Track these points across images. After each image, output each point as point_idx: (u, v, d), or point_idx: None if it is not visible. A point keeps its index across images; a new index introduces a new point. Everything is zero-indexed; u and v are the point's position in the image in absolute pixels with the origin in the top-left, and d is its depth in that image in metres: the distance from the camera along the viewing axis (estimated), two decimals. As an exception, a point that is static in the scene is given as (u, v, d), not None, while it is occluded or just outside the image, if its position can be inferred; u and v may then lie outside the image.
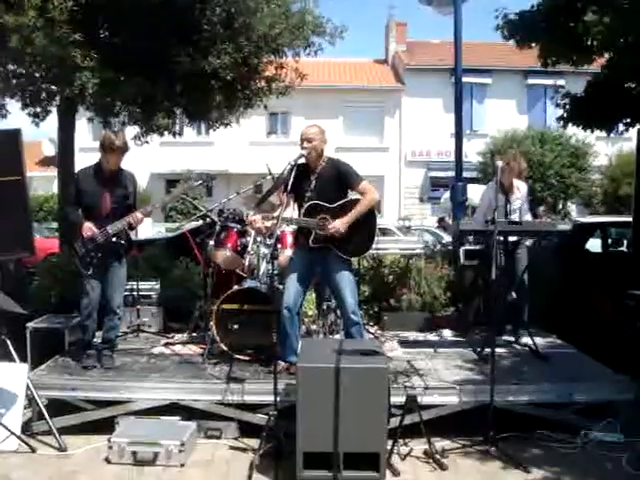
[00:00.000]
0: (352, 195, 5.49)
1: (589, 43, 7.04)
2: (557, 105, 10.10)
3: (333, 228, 5.26)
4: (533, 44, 8.79)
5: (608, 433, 4.94)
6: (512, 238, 6.54)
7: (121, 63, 7.70)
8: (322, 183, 5.41)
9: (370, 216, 5.45)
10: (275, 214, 5.34)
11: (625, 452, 4.68)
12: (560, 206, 23.84)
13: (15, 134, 5.41)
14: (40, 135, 18.61)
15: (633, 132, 6.30)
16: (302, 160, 5.36)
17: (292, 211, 5.50)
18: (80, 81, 7.26)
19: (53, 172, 19.70)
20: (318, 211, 5.35)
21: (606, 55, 8.20)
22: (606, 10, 6.74)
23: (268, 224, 5.42)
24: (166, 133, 9.78)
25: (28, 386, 5.01)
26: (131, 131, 10.10)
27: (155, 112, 8.96)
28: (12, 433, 4.78)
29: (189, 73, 8.19)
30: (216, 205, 7.05)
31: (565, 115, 9.70)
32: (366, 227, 5.43)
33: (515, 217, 6.54)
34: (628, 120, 9.10)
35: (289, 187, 5.25)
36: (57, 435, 4.86)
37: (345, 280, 5.41)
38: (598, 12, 6.80)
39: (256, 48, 8.75)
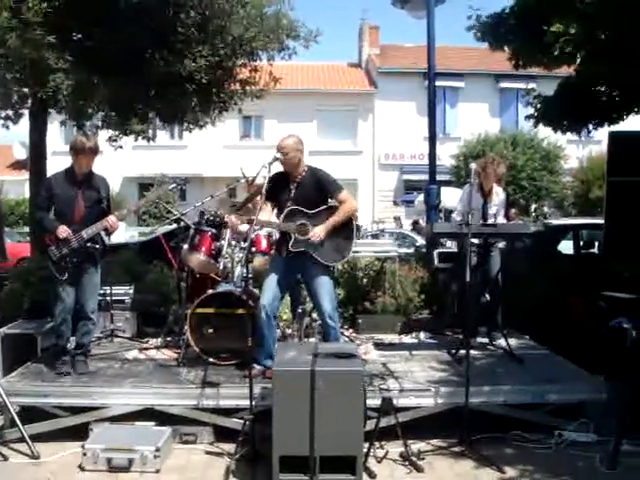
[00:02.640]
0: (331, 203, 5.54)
1: (557, 53, 7.11)
2: (528, 104, 10.20)
3: (314, 235, 5.30)
4: (505, 47, 8.86)
5: (581, 433, 5.00)
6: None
7: (95, 66, 7.65)
8: (302, 191, 5.45)
9: (348, 224, 5.52)
10: (252, 217, 5.36)
11: (598, 452, 4.73)
12: (532, 209, 24.09)
13: (-14, 138, 5.35)
14: (10, 138, 18.42)
15: (603, 135, 6.38)
16: (277, 164, 5.37)
17: (270, 217, 5.51)
18: (54, 83, 7.21)
19: (24, 176, 19.49)
20: (298, 216, 5.38)
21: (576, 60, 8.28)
22: (571, 19, 6.81)
23: (244, 228, 5.46)
24: (140, 138, 9.74)
25: (0, 393, 4.94)
26: (105, 134, 10.05)
27: (129, 115, 8.92)
28: (-17, 441, 4.72)
29: (164, 76, 8.16)
30: (190, 209, 7.02)
31: (536, 114, 9.78)
32: (344, 235, 5.49)
33: (491, 221, 6.58)
34: (596, 121, 9.20)
35: (265, 194, 5.30)
36: (30, 442, 4.78)
37: (323, 286, 5.45)
38: (563, 22, 6.86)
39: (231, 51, 8.77)
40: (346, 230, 5.51)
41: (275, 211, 5.56)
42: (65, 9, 7.18)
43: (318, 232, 5.31)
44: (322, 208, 5.44)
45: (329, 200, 5.49)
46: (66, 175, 5.59)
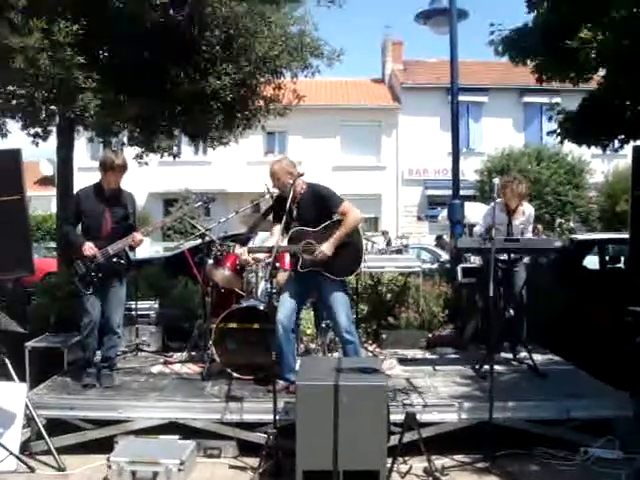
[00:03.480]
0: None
1: (584, 60, 7.10)
2: (550, 119, 10.16)
3: (320, 253, 5.31)
4: (528, 61, 8.86)
5: (607, 450, 4.94)
6: (511, 255, 6.56)
7: (122, 84, 7.77)
8: (303, 210, 5.49)
9: (355, 235, 5.50)
10: (266, 244, 5.42)
11: (624, 468, 4.67)
12: (557, 223, 23.92)
13: (16, 154, 5.44)
14: (38, 155, 18.66)
15: (629, 149, 6.33)
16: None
17: (280, 238, 5.52)
18: (82, 102, 7.32)
19: (51, 192, 19.68)
20: (303, 236, 5.40)
21: (601, 72, 8.26)
22: (600, 27, 6.80)
23: (260, 256, 5.53)
24: (166, 154, 9.86)
25: (27, 405, 5.00)
26: (131, 151, 10.17)
27: (155, 132, 9.02)
28: (11, 453, 4.76)
29: (189, 94, 8.26)
30: (214, 225, 7.09)
31: (559, 131, 9.75)
32: (352, 247, 5.48)
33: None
34: (622, 137, 9.14)
35: (272, 217, 5.37)
36: (56, 455, 4.84)
37: (337, 301, 5.44)
38: (593, 29, 6.86)
39: (255, 69, 8.84)
40: (354, 241, 5.49)
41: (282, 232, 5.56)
42: (92, 29, 7.31)
43: (324, 250, 5.31)
44: (326, 224, 5.42)
45: (334, 215, 5.45)
46: (94, 190, 5.68)
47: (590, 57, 7.05)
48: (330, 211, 5.45)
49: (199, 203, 6.49)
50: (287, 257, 6.37)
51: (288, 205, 5.29)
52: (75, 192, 6.33)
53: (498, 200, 6.25)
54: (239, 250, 5.61)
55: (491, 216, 5.83)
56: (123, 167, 5.60)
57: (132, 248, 5.80)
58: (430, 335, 7.56)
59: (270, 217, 6.11)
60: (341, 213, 5.41)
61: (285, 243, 5.48)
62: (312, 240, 5.37)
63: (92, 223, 5.59)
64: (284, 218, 5.30)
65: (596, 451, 4.93)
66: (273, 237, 5.50)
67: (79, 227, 5.71)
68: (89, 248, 5.45)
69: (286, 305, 5.46)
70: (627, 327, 6.70)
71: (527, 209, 6.83)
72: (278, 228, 5.47)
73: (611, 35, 6.75)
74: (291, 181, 5.36)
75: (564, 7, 7.34)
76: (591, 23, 6.98)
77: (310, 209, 5.47)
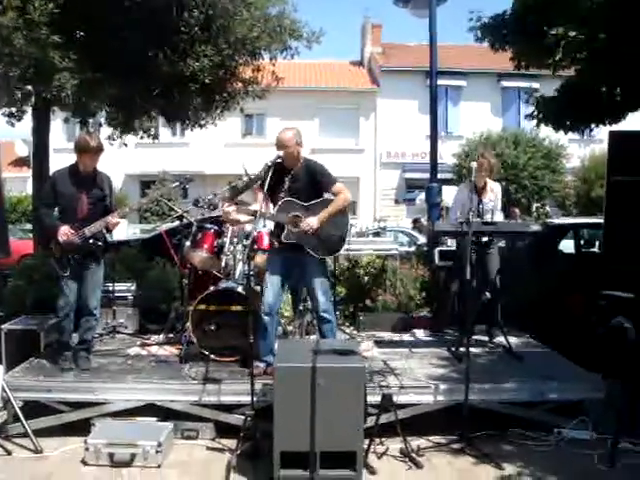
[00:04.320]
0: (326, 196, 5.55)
1: (559, 57, 7.14)
2: (527, 101, 10.21)
3: (306, 224, 5.32)
4: (507, 47, 8.88)
5: (580, 431, 5.03)
6: (484, 238, 6.60)
7: (100, 64, 7.69)
8: (296, 184, 5.47)
9: (342, 216, 5.55)
10: (250, 208, 5.38)
11: (596, 449, 4.77)
12: (534, 208, 24.07)
13: (-10, 135, 5.39)
14: (13, 135, 18.44)
15: (605, 135, 6.38)
16: (279, 160, 5.40)
17: (267, 209, 5.52)
18: (58, 82, 7.24)
19: (26, 173, 19.53)
20: (292, 208, 5.40)
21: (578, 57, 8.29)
22: (571, 22, 6.83)
23: (243, 218, 5.48)
24: (145, 136, 9.79)
25: (3, 388, 4.97)
26: (108, 132, 10.09)
27: (133, 114, 8.95)
28: (-13, 436, 4.76)
29: (168, 75, 8.19)
30: (192, 207, 7.05)
31: (536, 114, 9.79)
32: (338, 227, 5.52)
33: (487, 218, 6.56)
34: (598, 119, 9.20)
35: (265, 186, 5.27)
36: (33, 437, 4.83)
37: (317, 279, 5.49)
38: (565, 25, 6.88)
39: (234, 51, 8.79)
40: (341, 222, 5.54)
41: (263, 201, 5.48)
42: (69, 8, 7.21)
43: (311, 222, 5.33)
44: (317, 201, 5.45)
45: (324, 194, 5.48)
46: (70, 172, 5.61)
47: (566, 53, 7.09)
48: (322, 189, 5.47)
49: (175, 184, 6.44)
50: (266, 238, 6.39)
51: (268, 175, 5.25)
52: (51, 173, 6.26)
53: (464, 184, 6.24)
54: (228, 208, 5.54)
55: (461, 200, 5.84)
56: (98, 149, 5.53)
57: (109, 230, 5.76)
58: (407, 317, 7.61)
59: (246, 199, 6.08)
60: (333, 193, 5.45)
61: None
62: (300, 213, 5.38)
63: (68, 205, 5.53)
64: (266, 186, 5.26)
65: (569, 432, 5.03)
66: (257, 203, 5.41)
67: (56, 209, 5.65)
68: (63, 233, 5.41)
69: (272, 289, 5.47)
70: (600, 311, 6.79)
71: (495, 187, 6.85)
72: (261, 196, 5.42)
73: (583, 30, 6.78)
74: (297, 152, 5.41)
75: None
76: (562, 17, 6.99)
77: (303, 184, 5.47)
